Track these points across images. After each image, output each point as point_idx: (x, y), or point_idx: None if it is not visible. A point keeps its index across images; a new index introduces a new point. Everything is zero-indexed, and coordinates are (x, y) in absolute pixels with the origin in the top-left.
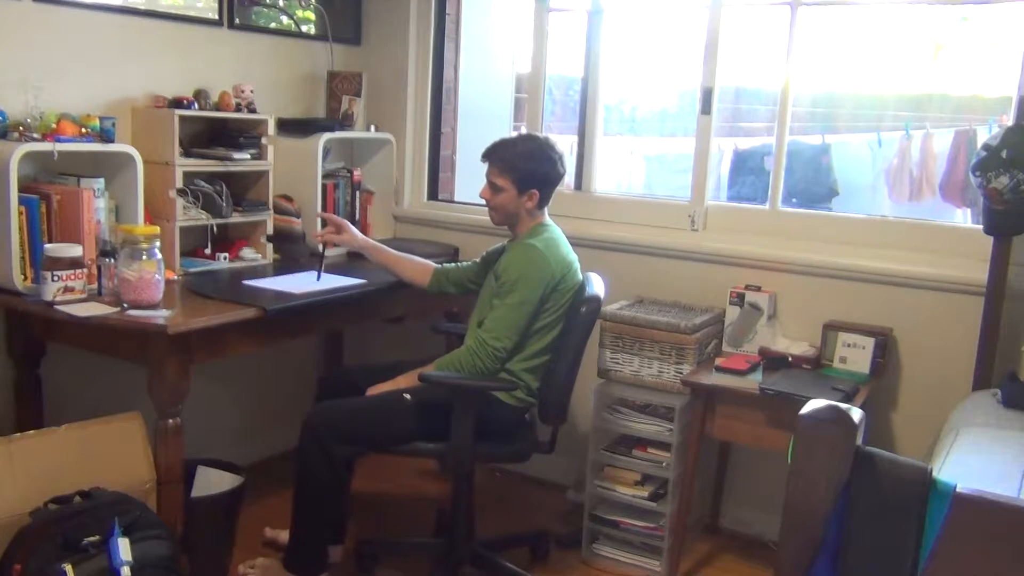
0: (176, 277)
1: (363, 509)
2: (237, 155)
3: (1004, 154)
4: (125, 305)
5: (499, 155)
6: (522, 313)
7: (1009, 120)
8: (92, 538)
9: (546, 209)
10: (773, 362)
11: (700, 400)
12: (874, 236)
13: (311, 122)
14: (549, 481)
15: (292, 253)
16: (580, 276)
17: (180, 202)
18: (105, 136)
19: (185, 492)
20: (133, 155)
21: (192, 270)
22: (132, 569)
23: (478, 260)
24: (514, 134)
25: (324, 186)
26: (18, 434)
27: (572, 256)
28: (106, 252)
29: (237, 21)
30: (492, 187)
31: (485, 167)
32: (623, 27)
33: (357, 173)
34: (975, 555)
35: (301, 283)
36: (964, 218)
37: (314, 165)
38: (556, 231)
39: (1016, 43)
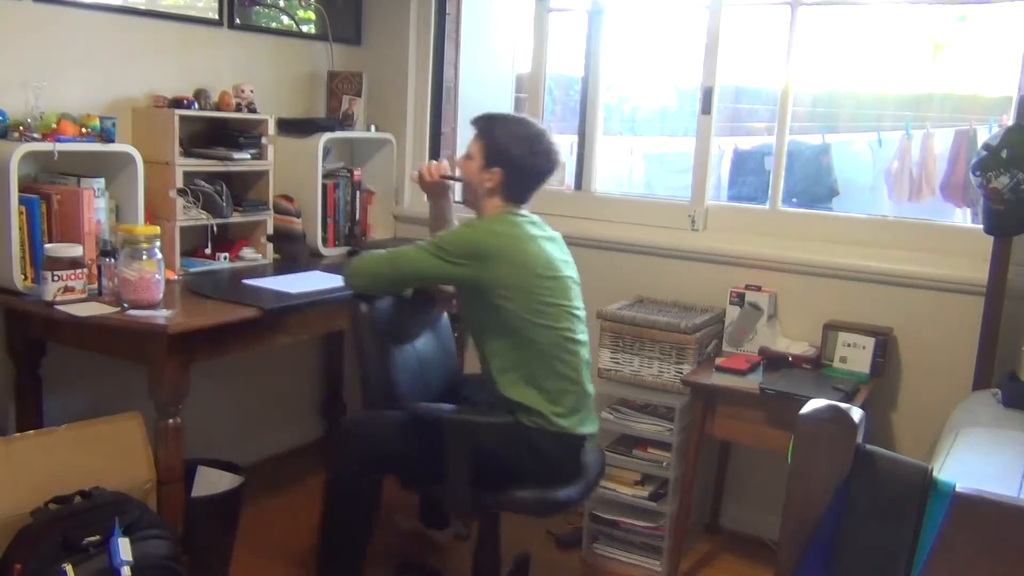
0: (176, 277)
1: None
2: (237, 155)
3: (1004, 154)
4: (125, 305)
5: (482, 121)
6: (410, 256)
7: (1009, 120)
8: (92, 538)
9: (523, 208)
10: (773, 362)
11: (700, 400)
12: (874, 236)
13: (311, 122)
14: None
15: (292, 253)
16: (572, 293)
17: (180, 202)
18: (105, 136)
19: (185, 492)
20: (133, 155)
21: (192, 270)
22: (132, 569)
23: None
24: (515, 114)
25: (324, 186)
26: (18, 434)
27: (552, 256)
28: (106, 252)
29: (237, 21)
30: (465, 154)
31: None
32: (623, 27)
33: (357, 173)
34: (974, 555)
35: (301, 283)
36: (964, 218)
37: (314, 165)
38: (529, 228)
39: (1016, 43)
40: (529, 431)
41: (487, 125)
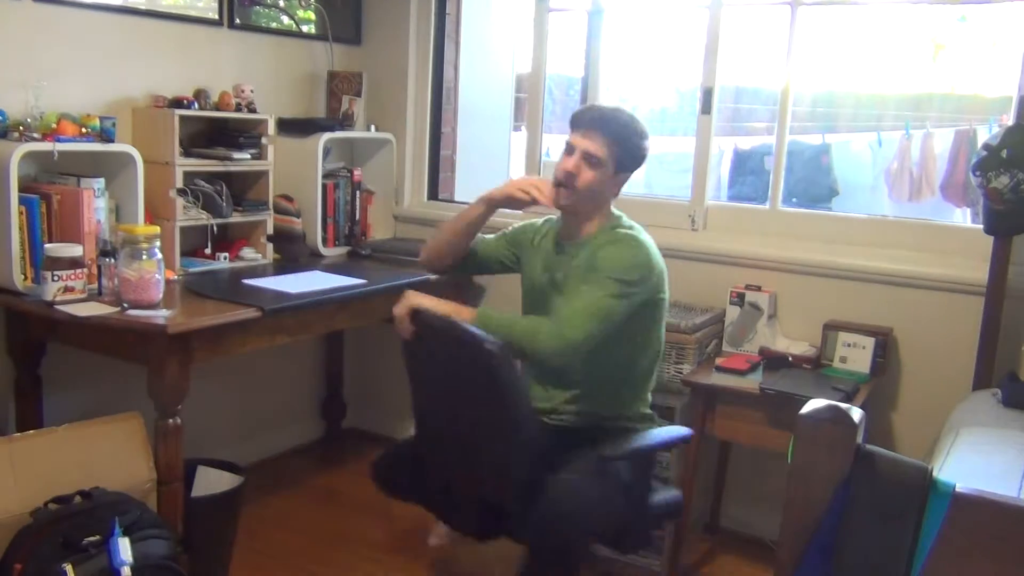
0: (176, 277)
1: None
2: (237, 155)
3: (1004, 154)
4: (125, 305)
5: (608, 120)
6: (615, 308)
7: (1009, 120)
8: (92, 538)
9: None
10: (773, 362)
11: (700, 400)
12: (874, 236)
13: (311, 122)
14: None
15: (292, 253)
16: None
17: (180, 202)
18: (105, 136)
19: (185, 492)
20: (133, 155)
21: (192, 270)
22: (132, 569)
23: (504, 235)
24: (606, 104)
25: (324, 186)
26: (18, 434)
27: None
28: (106, 252)
29: (237, 21)
30: (587, 159)
31: (571, 135)
32: (623, 27)
33: (357, 173)
34: (974, 554)
35: (301, 283)
36: (964, 218)
37: (314, 165)
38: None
39: (1016, 43)
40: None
41: (613, 123)
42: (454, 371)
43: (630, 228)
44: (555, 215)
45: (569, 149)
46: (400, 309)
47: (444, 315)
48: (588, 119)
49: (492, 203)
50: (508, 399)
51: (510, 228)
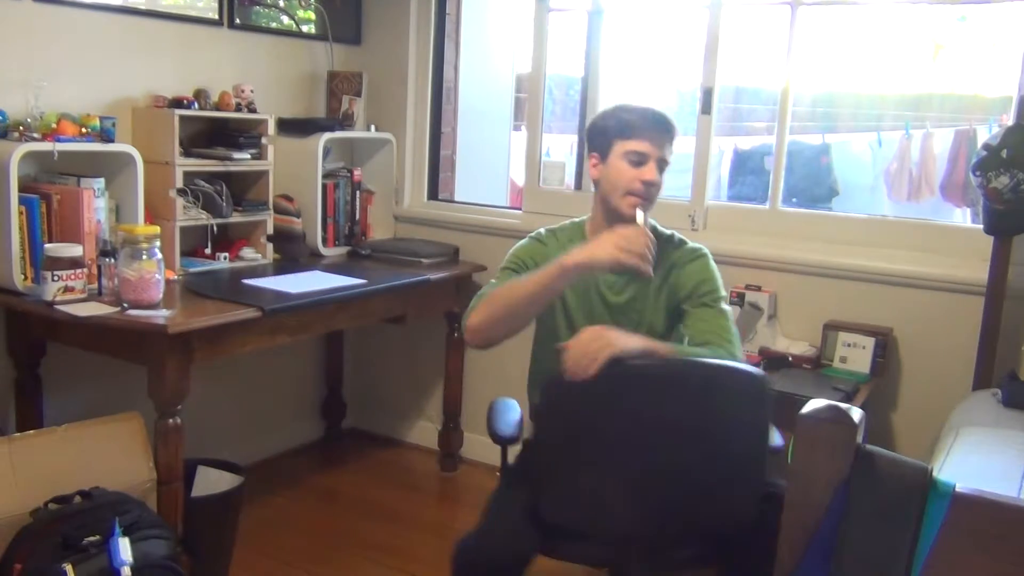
0: (176, 277)
1: None
2: (237, 155)
3: (1004, 154)
4: (125, 305)
5: (670, 122)
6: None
7: (1009, 120)
8: (92, 538)
9: None
10: (773, 362)
11: None
12: (874, 236)
13: (311, 122)
14: None
15: (292, 253)
16: None
17: (180, 202)
18: (105, 136)
19: (185, 492)
20: (133, 155)
21: (192, 270)
22: (132, 569)
23: (513, 270)
24: (641, 104)
25: (324, 186)
26: (18, 434)
27: None
28: (106, 252)
29: (237, 21)
30: (661, 166)
31: (646, 143)
32: (623, 27)
33: (357, 173)
34: (974, 555)
35: (301, 283)
36: (964, 218)
37: (314, 165)
38: None
39: (1016, 42)
40: None
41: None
42: (690, 411)
43: (679, 236)
44: (555, 226)
45: (641, 159)
46: (599, 353)
47: (670, 353)
48: (661, 125)
49: (584, 270)
50: (767, 427)
51: (513, 258)
